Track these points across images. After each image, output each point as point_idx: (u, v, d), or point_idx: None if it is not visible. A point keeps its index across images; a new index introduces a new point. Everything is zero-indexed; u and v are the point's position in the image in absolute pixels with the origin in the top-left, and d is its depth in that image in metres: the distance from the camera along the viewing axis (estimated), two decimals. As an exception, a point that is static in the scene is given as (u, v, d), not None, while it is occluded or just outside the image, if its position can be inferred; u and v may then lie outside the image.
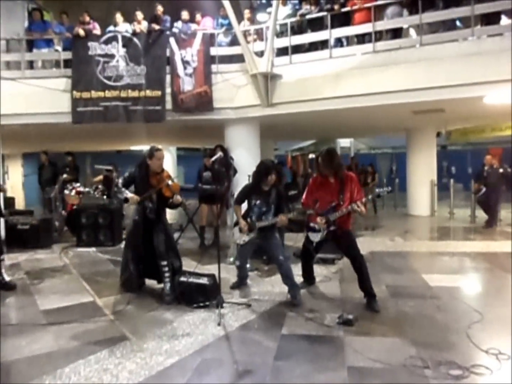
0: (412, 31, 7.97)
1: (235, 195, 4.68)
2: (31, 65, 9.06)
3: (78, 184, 7.98)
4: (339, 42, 8.28)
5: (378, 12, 7.77)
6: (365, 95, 7.40)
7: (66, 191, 7.81)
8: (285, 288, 4.43)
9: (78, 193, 7.71)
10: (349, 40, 8.32)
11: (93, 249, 6.99)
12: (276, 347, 3.25)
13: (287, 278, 4.27)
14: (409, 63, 7.14)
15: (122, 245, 7.11)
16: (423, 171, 11.20)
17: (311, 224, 4.31)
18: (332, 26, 7.97)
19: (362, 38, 8.06)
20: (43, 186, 9.33)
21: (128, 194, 4.31)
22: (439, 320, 3.77)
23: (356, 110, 7.89)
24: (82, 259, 6.36)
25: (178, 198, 4.38)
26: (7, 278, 5.11)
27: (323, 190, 4.24)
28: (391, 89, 7.29)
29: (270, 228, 4.39)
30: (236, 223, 4.61)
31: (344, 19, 8.11)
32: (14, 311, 4.21)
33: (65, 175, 8.48)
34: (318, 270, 4.96)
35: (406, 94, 7.24)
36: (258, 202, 4.42)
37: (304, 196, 4.47)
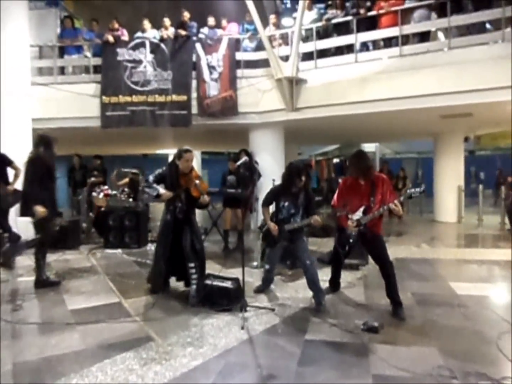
0: (440, 34, 7.85)
1: (263, 197, 4.63)
2: (62, 71, 9.33)
3: (106, 187, 8.14)
4: (364, 46, 8.24)
5: (405, 15, 7.70)
6: (392, 99, 7.34)
7: (94, 194, 7.99)
8: (309, 293, 4.41)
9: (106, 195, 7.87)
10: (375, 44, 8.25)
11: (119, 250, 7.12)
12: (300, 352, 3.23)
13: (313, 283, 4.24)
14: (437, 67, 7.04)
15: (148, 247, 7.28)
16: (450, 176, 10.97)
17: (343, 228, 4.24)
18: (358, 30, 7.94)
19: (388, 42, 7.99)
20: (74, 188, 9.50)
21: (161, 190, 4.35)
22: (467, 329, 3.68)
23: (382, 114, 7.82)
24: (109, 261, 6.48)
25: (205, 198, 4.41)
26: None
27: (353, 192, 4.19)
28: (418, 93, 7.21)
29: (298, 231, 4.36)
30: (261, 226, 4.61)
31: (370, 23, 8.06)
32: (44, 310, 4.31)
33: (93, 178, 8.67)
34: (342, 276, 4.90)
35: (434, 98, 7.14)
36: (286, 204, 4.37)
37: (334, 198, 4.39)
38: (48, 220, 5.05)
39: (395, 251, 6.85)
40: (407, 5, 7.72)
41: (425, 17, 7.62)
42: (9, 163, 6.23)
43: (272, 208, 4.57)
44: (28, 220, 5.05)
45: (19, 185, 6.20)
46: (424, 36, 7.67)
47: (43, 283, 5.01)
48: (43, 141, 5.19)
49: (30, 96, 8.12)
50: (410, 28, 7.66)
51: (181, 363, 3.05)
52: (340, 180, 6.41)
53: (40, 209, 4.80)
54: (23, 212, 5.07)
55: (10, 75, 7.60)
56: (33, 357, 3.19)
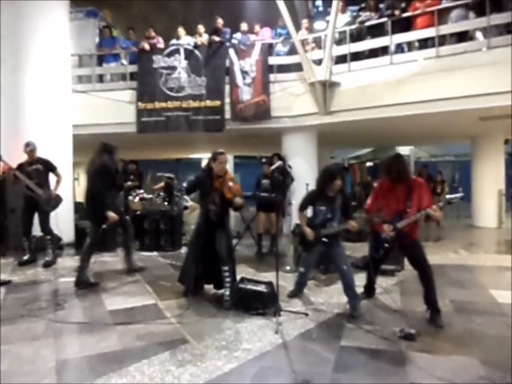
0: (479, 34, 7.63)
1: (300, 202, 4.61)
2: (100, 78, 9.64)
3: (141, 191, 8.34)
4: (399, 48, 8.10)
5: (442, 15, 7.53)
6: (428, 101, 7.19)
7: (130, 197, 8.19)
8: (343, 299, 4.37)
9: (141, 199, 8.05)
10: (410, 46, 8.11)
11: (155, 253, 7.27)
12: (335, 358, 3.20)
13: (349, 289, 4.18)
14: (475, 68, 6.86)
15: (182, 250, 7.40)
16: (489, 180, 10.61)
17: (378, 232, 4.17)
18: (393, 32, 7.82)
19: (424, 43, 7.83)
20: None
21: (189, 202, 4.44)
22: (509, 339, 3.54)
23: (418, 117, 7.67)
24: (145, 263, 6.60)
25: (238, 200, 4.42)
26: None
27: (389, 196, 4.10)
28: (456, 95, 7.03)
29: (335, 236, 4.31)
30: (294, 231, 4.60)
31: (405, 24, 7.93)
32: (84, 310, 4.45)
33: (129, 182, 8.90)
34: (377, 282, 4.82)
35: (472, 99, 6.95)
36: (323, 208, 4.32)
37: (369, 202, 4.30)
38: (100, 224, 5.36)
39: (432, 257, 6.58)
40: (444, 5, 7.55)
41: (463, 16, 7.43)
42: (53, 169, 6.50)
43: (309, 212, 4.55)
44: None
45: (59, 190, 6.49)
46: (461, 36, 7.48)
47: (83, 283, 5.19)
48: (106, 149, 5.46)
49: (70, 103, 8.42)
50: (447, 29, 7.49)
51: (216, 366, 3.07)
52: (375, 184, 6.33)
53: (112, 215, 5.17)
54: (93, 218, 5.35)
55: (52, 83, 7.91)
56: (74, 355, 3.31)
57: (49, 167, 6.48)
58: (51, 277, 5.75)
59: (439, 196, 11.39)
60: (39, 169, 6.37)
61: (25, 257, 6.40)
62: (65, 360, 3.19)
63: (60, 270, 6.15)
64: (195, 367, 3.06)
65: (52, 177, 6.54)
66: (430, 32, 7.53)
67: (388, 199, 4.11)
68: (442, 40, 7.57)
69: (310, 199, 4.49)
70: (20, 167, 6.32)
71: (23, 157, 6.40)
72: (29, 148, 6.33)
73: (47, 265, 6.32)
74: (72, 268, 6.23)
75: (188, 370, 3.00)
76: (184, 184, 4.57)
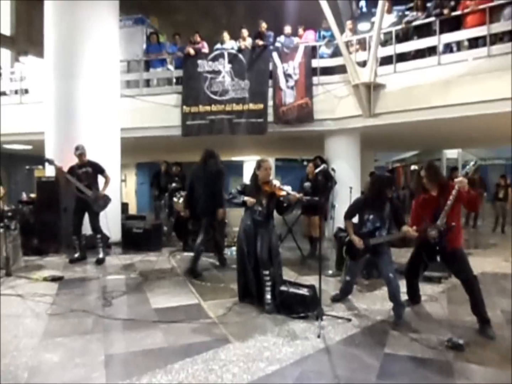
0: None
1: (346, 210, 4.57)
2: (147, 83, 9.94)
3: (185, 193, 8.49)
4: (448, 47, 7.84)
5: (494, 13, 7.22)
6: (479, 102, 6.90)
7: (175, 199, 8.38)
8: (387, 305, 4.28)
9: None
10: (459, 46, 7.83)
11: (198, 254, 7.38)
12: (379, 365, 3.14)
13: (394, 297, 4.09)
14: (530, 67, 6.51)
15: (224, 251, 7.48)
16: (544, 184, 10.05)
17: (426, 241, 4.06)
18: (441, 32, 7.58)
19: (474, 42, 7.54)
20: (158, 193, 9.91)
21: (245, 197, 4.50)
22: None
23: (467, 119, 7.39)
24: (188, 263, 6.73)
25: (294, 195, 4.43)
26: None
27: (427, 207, 4.02)
28: (508, 96, 6.69)
29: (381, 244, 4.24)
30: (336, 234, 4.55)
31: (454, 23, 7.67)
32: (130, 307, 4.61)
33: (173, 184, 9.11)
34: (423, 289, 4.69)
35: (525, 100, 6.60)
36: (371, 217, 4.26)
37: (412, 222, 4.20)
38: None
39: (481, 265, 6.42)
40: (496, 2, 7.24)
41: (517, 14, 7.10)
42: (102, 171, 6.78)
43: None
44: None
45: (107, 191, 6.76)
46: (515, 35, 7.14)
47: (193, 273, 5.81)
48: (212, 155, 6.25)
49: (118, 107, 8.74)
50: (499, 27, 7.17)
51: (258, 367, 3.09)
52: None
53: (222, 211, 5.95)
54: (205, 214, 6.02)
55: (103, 88, 8.24)
56: (122, 350, 3.43)
57: (97, 169, 6.76)
58: (100, 274, 5.98)
59: (501, 202, 10.87)
60: (88, 171, 6.67)
61: (76, 255, 6.70)
62: (113, 355, 3.32)
63: (108, 268, 6.38)
64: (237, 367, 3.09)
65: (100, 179, 6.82)
66: (481, 31, 7.24)
67: (427, 210, 4.01)
68: (494, 38, 7.26)
69: (357, 208, 4.44)
70: (71, 169, 6.64)
71: (75, 160, 6.71)
72: (79, 152, 6.65)
73: (99, 262, 6.59)
74: (119, 266, 6.48)
75: (230, 370, 3.04)
76: (233, 190, 4.63)
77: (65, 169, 6.64)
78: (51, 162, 6.72)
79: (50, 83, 8.29)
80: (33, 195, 8.56)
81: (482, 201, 10.96)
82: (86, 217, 6.70)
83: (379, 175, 4.44)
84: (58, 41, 8.15)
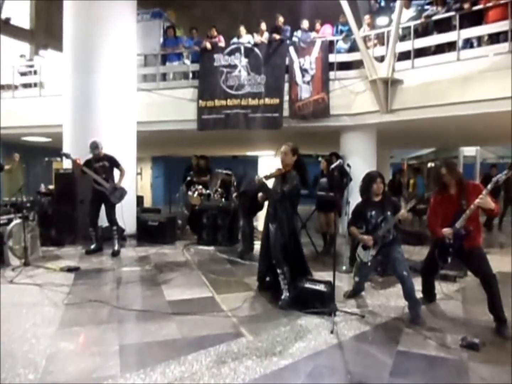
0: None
1: (348, 220, 4.66)
2: (164, 77, 9.98)
3: (200, 186, 8.55)
4: (467, 43, 7.70)
5: (517, 8, 7.05)
6: (499, 99, 6.76)
7: (190, 193, 8.44)
8: (401, 303, 4.26)
9: (200, 194, 8.27)
10: (480, 41, 7.68)
11: (212, 247, 7.44)
12: (392, 363, 3.13)
13: (410, 295, 4.06)
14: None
15: (238, 245, 7.52)
16: None
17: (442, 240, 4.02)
18: (461, 27, 7.44)
19: (496, 38, 7.38)
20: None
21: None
22: None
23: (486, 116, 7.26)
24: (202, 257, 6.80)
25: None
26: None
27: (445, 206, 3.99)
28: (530, 93, 6.56)
29: (392, 243, 4.26)
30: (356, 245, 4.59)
31: (475, 18, 7.52)
32: (145, 298, 4.67)
33: (188, 178, 9.16)
34: (438, 288, 4.64)
35: (547, 97, 6.46)
36: (373, 212, 4.33)
37: (429, 221, 4.21)
38: None
39: (498, 264, 6.27)
40: (520, -4, 7.08)
41: (541, 8, 6.93)
42: (118, 165, 6.88)
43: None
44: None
45: (123, 184, 6.84)
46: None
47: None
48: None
49: (135, 101, 8.81)
50: (522, 22, 7.00)
51: (271, 361, 3.11)
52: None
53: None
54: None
55: (120, 82, 8.31)
56: (136, 340, 3.48)
57: (114, 163, 6.86)
58: (115, 266, 6.06)
59: None
60: (105, 165, 6.78)
61: (92, 246, 6.80)
62: (127, 345, 3.37)
63: (123, 260, 6.47)
64: (250, 360, 3.11)
65: (116, 172, 6.90)
66: (503, 26, 7.08)
67: (445, 209, 3.99)
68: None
69: (357, 212, 4.50)
70: (88, 163, 6.72)
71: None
72: (95, 150, 6.73)
73: (115, 254, 6.69)
74: (134, 258, 6.55)
75: (243, 363, 3.06)
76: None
77: (82, 161, 6.73)
78: (67, 156, 6.83)
79: (68, 77, 8.38)
80: (51, 187, 8.71)
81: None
82: (102, 209, 6.79)
83: (366, 173, 4.51)
84: (77, 35, 8.23)
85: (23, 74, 11.02)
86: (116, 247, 6.77)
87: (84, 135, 7.79)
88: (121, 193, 6.81)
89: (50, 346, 3.29)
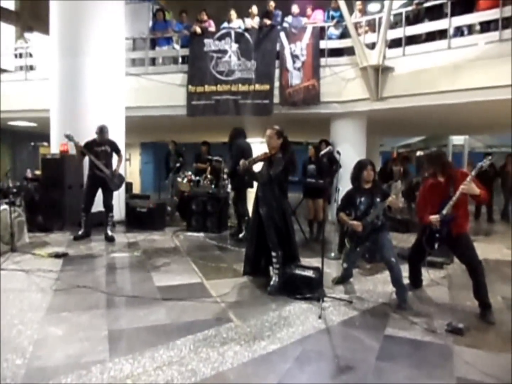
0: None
1: (338, 205, 4.70)
2: (153, 61, 9.84)
3: (189, 173, 8.50)
4: (458, 31, 7.70)
5: (508, -4, 7.06)
6: (489, 88, 6.81)
7: (179, 179, 8.39)
8: (388, 288, 4.32)
9: (189, 181, 8.23)
10: (470, 29, 7.69)
11: (201, 234, 7.44)
12: (379, 347, 3.17)
13: (397, 281, 4.12)
14: (543, 52, 6.39)
15: (227, 232, 7.52)
16: (551, 173, 9.95)
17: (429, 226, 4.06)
18: (452, 14, 7.44)
19: (486, 26, 7.39)
20: (167, 172, 9.71)
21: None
22: None
23: (476, 104, 7.30)
24: (191, 243, 6.79)
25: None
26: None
27: (435, 192, 4.03)
28: (519, 82, 6.60)
29: (380, 229, 4.30)
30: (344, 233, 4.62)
31: (466, 6, 7.51)
32: (134, 284, 4.66)
33: (178, 164, 9.09)
34: (425, 274, 4.71)
35: (537, 87, 6.50)
36: (362, 199, 4.37)
37: (418, 207, 4.29)
38: None
39: (483, 251, 6.37)
40: (511, -16, 7.08)
41: (531, -3, 6.94)
42: (118, 151, 6.83)
43: None
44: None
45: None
46: (529, 19, 7.00)
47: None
48: (240, 133, 7.02)
49: (123, 85, 8.67)
50: (513, 10, 7.01)
51: (259, 346, 3.14)
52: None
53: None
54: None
55: (108, 66, 8.17)
56: (125, 326, 3.48)
57: (115, 148, 6.77)
58: (104, 252, 6.03)
59: None
60: (107, 150, 6.65)
61: (80, 232, 6.74)
62: (116, 330, 3.37)
63: (112, 246, 6.43)
64: (238, 345, 3.13)
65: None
66: (493, 14, 7.09)
67: (434, 195, 4.03)
68: (507, 22, 7.11)
69: (347, 199, 4.54)
70: (90, 145, 6.54)
71: (81, 137, 6.66)
72: (102, 134, 6.57)
73: (111, 239, 6.66)
74: (123, 244, 6.53)
75: (232, 348, 3.08)
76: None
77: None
78: (70, 138, 6.49)
79: (55, 60, 8.22)
80: (38, 172, 8.59)
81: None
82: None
83: (359, 159, 4.57)
84: (63, 17, 8.05)
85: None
86: (110, 233, 6.74)
87: (71, 120, 7.68)
88: (120, 180, 6.78)
89: (38, 331, 3.27)
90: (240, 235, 7.00)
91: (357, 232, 4.32)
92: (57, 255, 5.58)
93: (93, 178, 6.61)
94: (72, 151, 7.23)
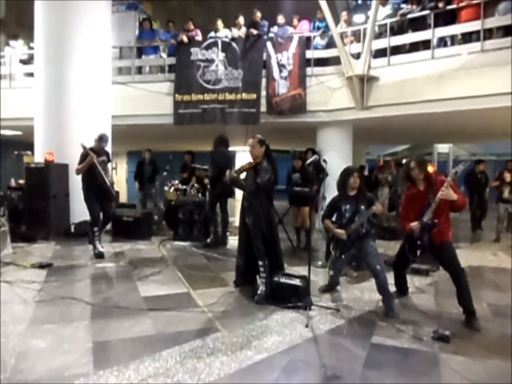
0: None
1: (323, 212, 4.73)
2: (139, 70, 9.82)
3: (176, 182, 8.46)
4: (442, 41, 7.85)
5: (489, 8, 7.23)
6: (471, 97, 6.94)
7: (166, 188, 8.34)
8: (375, 296, 4.33)
9: (176, 190, 8.19)
10: (453, 40, 7.84)
11: (188, 243, 7.39)
12: (365, 355, 3.17)
13: (383, 289, 4.13)
14: (523, 63, 6.54)
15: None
16: (533, 181, 10.11)
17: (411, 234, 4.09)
18: (436, 25, 7.58)
19: (468, 37, 7.55)
20: (143, 182, 9.64)
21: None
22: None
23: (459, 113, 7.43)
24: (178, 252, 6.74)
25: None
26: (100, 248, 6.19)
27: (415, 201, 4.07)
28: (501, 91, 6.74)
29: (365, 237, 4.32)
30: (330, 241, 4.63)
31: (448, 17, 7.67)
32: (119, 295, 4.59)
33: (165, 173, 9.06)
34: (411, 281, 4.74)
35: (518, 96, 6.64)
36: (348, 206, 4.39)
37: (400, 215, 4.33)
38: None
39: (469, 258, 6.51)
40: (491, -4, 7.25)
41: (511, 9, 7.10)
42: (110, 161, 6.72)
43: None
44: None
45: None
46: (509, 30, 7.15)
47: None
48: (223, 140, 7.08)
49: (110, 94, 8.63)
50: (494, 22, 7.18)
51: (246, 356, 3.11)
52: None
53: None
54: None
55: (94, 74, 8.13)
56: (110, 337, 3.42)
57: (109, 159, 6.66)
58: (89, 262, 5.95)
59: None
60: (105, 160, 6.43)
61: (102, 249, 6.32)
62: (101, 342, 3.31)
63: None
64: (225, 356, 3.10)
65: None
66: (475, 25, 7.25)
67: (416, 203, 4.06)
68: (489, 33, 7.28)
69: (332, 206, 4.57)
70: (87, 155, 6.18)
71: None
72: (103, 143, 6.41)
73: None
74: (109, 254, 6.44)
75: (219, 358, 3.05)
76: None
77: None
78: (85, 148, 6.16)
79: (40, 68, 8.16)
80: (22, 181, 8.47)
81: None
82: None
83: (346, 166, 4.62)
84: (49, 25, 8.01)
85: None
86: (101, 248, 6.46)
87: (56, 128, 7.61)
88: (116, 190, 6.67)
89: (20, 344, 3.20)
90: (208, 240, 7.16)
91: (341, 239, 4.34)
92: (40, 266, 5.49)
93: (93, 189, 6.22)
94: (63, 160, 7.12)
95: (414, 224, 3.95)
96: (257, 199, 4.42)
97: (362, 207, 4.32)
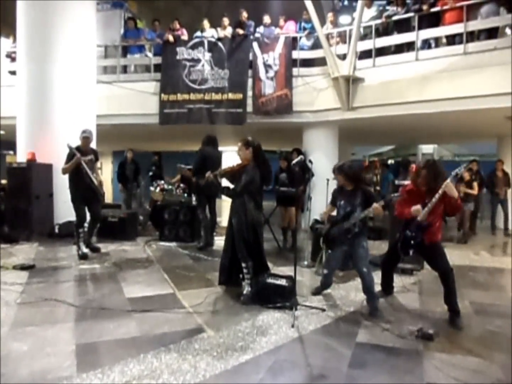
0: (509, 31, 7.43)
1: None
2: (125, 69, 9.74)
3: (162, 182, 8.41)
4: (426, 44, 7.95)
5: (471, 11, 7.35)
6: (454, 99, 7.06)
7: (152, 188, 8.28)
8: (360, 296, 4.36)
9: (162, 190, 8.13)
10: (437, 42, 7.95)
11: (174, 243, 7.35)
12: (351, 354, 3.19)
13: (368, 291, 4.16)
14: (504, 65, 6.67)
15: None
16: (515, 181, 10.30)
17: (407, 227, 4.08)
18: (420, 27, 7.68)
19: (452, 40, 7.67)
20: (125, 182, 9.65)
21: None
22: (530, 343, 3.47)
23: (443, 114, 7.54)
24: (164, 253, 6.70)
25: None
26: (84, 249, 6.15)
27: (414, 199, 4.05)
28: (483, 93, 6.88)
29: (358, 236, 4.25)
30: (312, 226, 4.60)
31: (433, 20, 7.78)
32: (103, 296, 4.53)
33: (150, 173, 9.00)
34: (396, 280, 4.78)
35: (500, 98, 6.80)
36: (342, 202, 4.34)
37: (396, 209, 4.25)
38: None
39: (451, 258, 6.50)
40: (474, 0, 7.37)
41: (493, 12, 7.24)
42: (98, 160, 6.60)
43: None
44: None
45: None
46: (491, 33, 7.29)
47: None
48: (210, 140, 7.06)
49: (95, 93, 8.53)
50: (476, 24, 7.31)
51: (232, 356, 3.10)
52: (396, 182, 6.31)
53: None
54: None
55: (78, 73, 8.03)
56: (94, 339, 3.37)
57: (97, 157, 6.48)
58: (73, 263, 5.87)
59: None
60: (92, 159, 6.26)
61: (86, 250, 6.30)
62: (85, 344, 3.26)
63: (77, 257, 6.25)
64: (211, 356, 3.09)
65: None
66: (458, 28, 7.36)
67: (412, 201, 4.03)
68: (471, 36, 7.40)
69: (333, 196, 4.55)
70: (74, 156, 6.02)
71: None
72: (84, 135, 6.21)
73: (97, 250, 6.50)
74: (93, 255, 6.37)
75: (204, 359, 3.04)
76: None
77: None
78: (71, 148, 6.05)
79: (22, 67, 8.02)
80: (3, 181, 8.32)
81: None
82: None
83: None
84: (31, 23, 7.89)
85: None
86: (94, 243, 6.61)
87: (39, 128, 7.49)
88: (103, 190, 6.54)
89: (1, 347, 3.14)
90: (202, 243, 7.07)
91: (330, 235, 4.34)
92: (22, 267, 5.39)
93: (81, 190, 6.10)
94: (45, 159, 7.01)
95: (415, 208, 3.91)
96: (240, 201, 4.40)
97: (358, 202, 4.23)
